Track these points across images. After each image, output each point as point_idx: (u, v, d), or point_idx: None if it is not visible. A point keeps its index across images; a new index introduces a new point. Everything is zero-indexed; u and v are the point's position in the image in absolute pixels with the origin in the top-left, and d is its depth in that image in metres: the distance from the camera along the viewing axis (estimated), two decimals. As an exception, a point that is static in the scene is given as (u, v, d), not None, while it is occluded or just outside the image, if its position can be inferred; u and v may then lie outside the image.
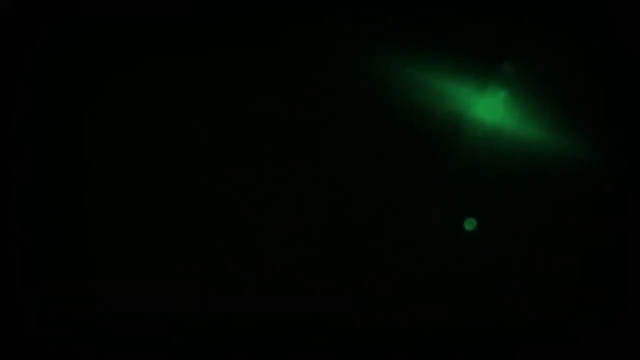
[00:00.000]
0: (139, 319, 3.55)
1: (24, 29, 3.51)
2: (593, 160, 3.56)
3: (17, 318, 3.49)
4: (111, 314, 3.54)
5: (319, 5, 3.53)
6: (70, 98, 3.60)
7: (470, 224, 3.60)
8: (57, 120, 3.59)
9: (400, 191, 3.69)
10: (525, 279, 3.66)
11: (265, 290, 3.64)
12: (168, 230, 3.63)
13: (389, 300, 3.65)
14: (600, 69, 3.55)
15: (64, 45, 3.56)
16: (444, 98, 3.55)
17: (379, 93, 3.59)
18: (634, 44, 3.48)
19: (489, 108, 3.59)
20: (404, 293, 3.65)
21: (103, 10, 3.54)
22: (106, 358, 3.51)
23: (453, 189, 3.68)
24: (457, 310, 3.64)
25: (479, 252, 3.67)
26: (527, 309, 3.63)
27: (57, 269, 3.56)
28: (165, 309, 3.58)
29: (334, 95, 3.64)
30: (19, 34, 3.51)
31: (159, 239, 3.63)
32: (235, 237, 3.67)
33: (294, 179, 3.67)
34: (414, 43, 3.54)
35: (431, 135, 3.62)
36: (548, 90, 3.57)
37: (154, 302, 3.58)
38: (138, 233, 3.62)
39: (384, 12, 3.52)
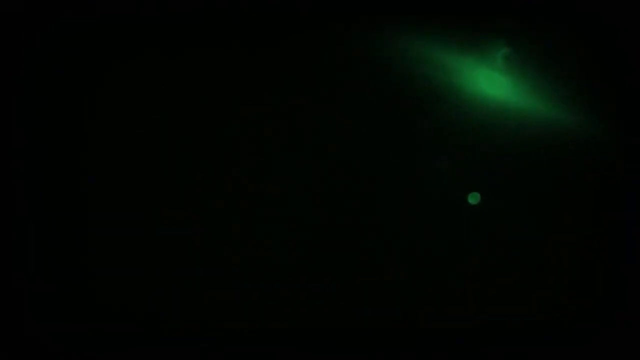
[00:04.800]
0: (138, 319, 3.55)
1: (24, 29, 3.51)
2: (596, 135, 3.54)
3: (17, 318, 3.50)
4: (111, 313, 3.55)
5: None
6: (70, 98, 3.60)
7: (474, 198, 3.57)
8: (57, 120, 3.59)
9: (403, 166, 3.67)
10: (528, 263, 3.64)
11: (267, 287, 3.64)
12: (168, 229, 3.64)
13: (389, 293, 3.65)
14: (604, 45, 3.52)
15: (64, 46, 3.56)
16: (446, 73, 3.54)
17: (379, 68, 3.58)
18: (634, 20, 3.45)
19: (492, 83, 3.57)
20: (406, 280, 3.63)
21: (103, 10, 3.54)
22: (106, 358, 3.51)
23: (455, 163, 3.65)
24: (456, 306, 3.64)
25: (481, 230, 3.65)
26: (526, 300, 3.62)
27: (56, 269, 3.56)
28: (164, 308, 3.58)
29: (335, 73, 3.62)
30: (19, 34, 3.51)
31: (159, 238, 3.63)
32: (236, 237, 3.67)
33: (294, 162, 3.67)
34: (415, 17, 3.53)
35: (434, 111, 3.60)
36: (550, 66, 3.55)
37: (154, 301, 3.58)
38: (138, 232, 3.62)
39: None
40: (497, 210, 3.68)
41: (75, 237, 3.59)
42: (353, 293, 3.64)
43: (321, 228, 3.67)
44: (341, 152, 3.69)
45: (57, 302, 3.54)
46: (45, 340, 3.50)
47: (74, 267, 3.58)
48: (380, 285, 3.66)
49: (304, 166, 3.68)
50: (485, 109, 3.60)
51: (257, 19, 3.59)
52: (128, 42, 3.60)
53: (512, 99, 3.59)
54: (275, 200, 3.67)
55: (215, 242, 3.64)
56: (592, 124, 3.55)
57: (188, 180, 3.65)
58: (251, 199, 3.67)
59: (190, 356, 3.53)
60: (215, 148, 3.66)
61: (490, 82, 3.58)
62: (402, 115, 3.64)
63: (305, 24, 3.61)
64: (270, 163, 3.68)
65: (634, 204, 3.60)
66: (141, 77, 3.62)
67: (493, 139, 3.63)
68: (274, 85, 3.66)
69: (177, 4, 3.54)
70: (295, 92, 3.67)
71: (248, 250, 3.65)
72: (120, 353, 3.50)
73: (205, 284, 3.61)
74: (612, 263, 3.60)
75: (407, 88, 3.59)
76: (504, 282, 3.65)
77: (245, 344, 3.55)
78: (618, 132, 3.56)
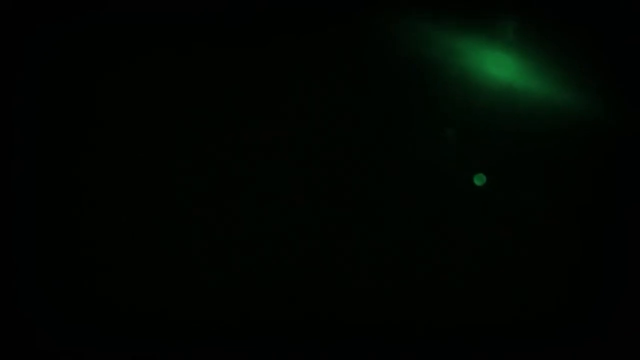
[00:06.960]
0: (137, 319, 3.55)
1: (24, 29, 3.51)
2: (602, 116, 3.51)
3: (17, 318, 3.50)
4: (111, 313, 3.55)
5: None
6: (70, 98, 3.61)
7: (479, 180, 3.55)
8: (57, 120, 3.59)
9: (408, 147, 3.65)
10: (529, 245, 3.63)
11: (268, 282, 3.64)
12: (167, 229, 3.64)
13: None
14: (610, 26, 3.50)
15: (64, 45, 3.56)
16: (452, 54, 3.53)
17: (387, 50, 3.57)
18: None
19: (498, 64, 3.55)
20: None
21: (102, 10, 3.54)
22: (106, 358, 3.51)
23: (461, 145, 3.63)
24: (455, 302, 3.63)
25: (484, 218, 3.62)
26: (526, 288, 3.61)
27: (57, 269, 3.56)
28: (163, 308, 3.58)
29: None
30: (19, 34, 3.52)
31: (158, 238, 3.63)
32: (238, 237, 3.67)
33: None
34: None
35: (440, 92, 3.58)
36: (555, 46, 3.53)
37: (153, 301, 3.58)
38: (137, 232, 3.62)
39: None
40: (506, 167, 3.62)
41: (74, 237, 3.59)
42: (352, 291, 3.64)
43: (324, 225, 3.67)
44: (343, 148, 3.68)
45: (57, 302, 3.54)
46: (45, 340, 3.50)
47: (73, 267, 3.58)
48: (379, 282, 3.66)
49: (305, 164, 3.68)
50: (493, 90, 3.58)
51: (258, 19, 3.60)
52: (128, 42, 3.60)
53: (519, 80, 3.56)
54: (276, 198, 3.67)
55: (216, 242, 3.65)
56: (600, 108, 3.52)
57: (189, 180, 3.66)
58: (251, 198, 3.68)
59: (191, 356, 3.53)
60: (217, 148, 3.67)
61: (498, 62, 3.56)
62: (409, 103, 3.63)
63: (305, 24, 3.62)
64: (272, 162, 3.68)
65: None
66: (141, 77, 3.62)
67: (500, 121, 3.60)
68: (275, 86, 3.67)
69: (178, 4, 3.55)
70: (296, 92, 3.68)
71: (249, 250, 3.66)
72: (120, 353, 3.50)
73: (205, 284, 3.62)
74: (612, 259, 3.60)
75: (413, 73, 3.58)
76: (504, 279, 3.64)
77: (246, 344, 3.55)
78: (625, 116, 3.53)
